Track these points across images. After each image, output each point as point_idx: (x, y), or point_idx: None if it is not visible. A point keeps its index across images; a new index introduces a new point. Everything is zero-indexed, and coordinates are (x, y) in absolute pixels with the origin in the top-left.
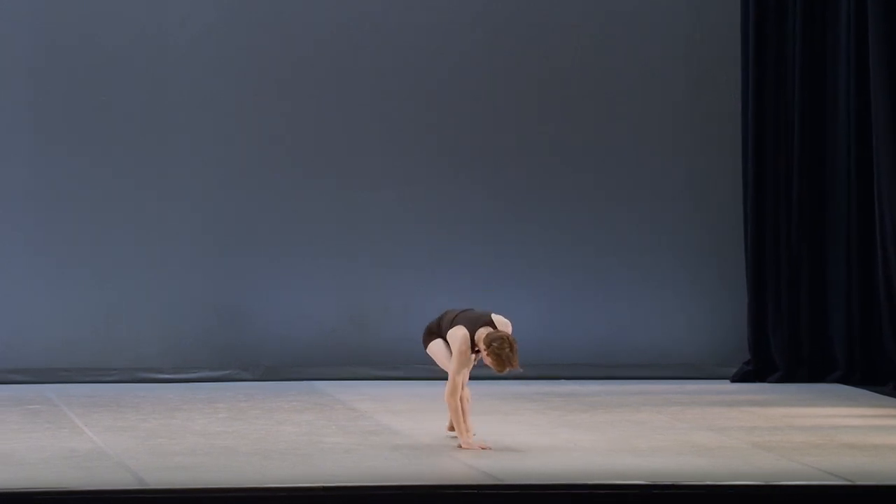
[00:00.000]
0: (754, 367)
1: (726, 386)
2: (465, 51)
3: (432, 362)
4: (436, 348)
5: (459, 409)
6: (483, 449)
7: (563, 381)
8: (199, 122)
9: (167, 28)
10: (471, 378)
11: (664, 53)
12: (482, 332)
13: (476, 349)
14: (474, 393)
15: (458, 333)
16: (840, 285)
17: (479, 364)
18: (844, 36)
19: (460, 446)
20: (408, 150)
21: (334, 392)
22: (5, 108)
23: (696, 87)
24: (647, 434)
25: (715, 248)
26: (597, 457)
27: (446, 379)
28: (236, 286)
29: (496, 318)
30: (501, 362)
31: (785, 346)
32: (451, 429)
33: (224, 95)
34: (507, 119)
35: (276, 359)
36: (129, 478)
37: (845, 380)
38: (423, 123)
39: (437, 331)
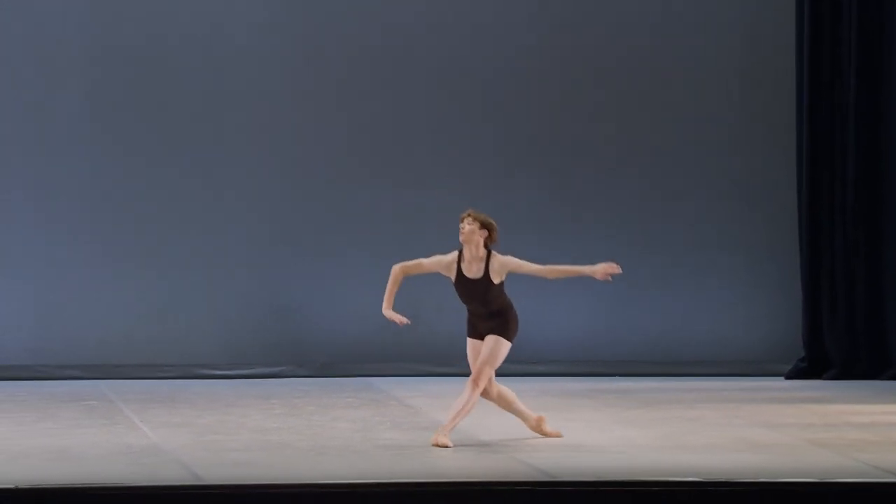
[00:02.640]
0: (809, 363)
1: (781, 383)
2: (519, 50)
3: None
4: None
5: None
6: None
7: (618, 377)
8: (255, 121)
9: (223, 29)
10: (519, 375)
11: (719, 53)
12: (471, 241)
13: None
14: (531, 389)
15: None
16: None
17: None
18: None
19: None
20: (462, 148)
21: (389, 388)
22: (64, 107)
23: (751, 87)
24: (701, 431)
25: (770, 246)
26: (651, 453)
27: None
28: (292, 283)
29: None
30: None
31: (840, 342)
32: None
33: (280, 95)
34: (563, 118)
35: (331, 355)
36: (184, 473)
37: None
38: (478, 122)
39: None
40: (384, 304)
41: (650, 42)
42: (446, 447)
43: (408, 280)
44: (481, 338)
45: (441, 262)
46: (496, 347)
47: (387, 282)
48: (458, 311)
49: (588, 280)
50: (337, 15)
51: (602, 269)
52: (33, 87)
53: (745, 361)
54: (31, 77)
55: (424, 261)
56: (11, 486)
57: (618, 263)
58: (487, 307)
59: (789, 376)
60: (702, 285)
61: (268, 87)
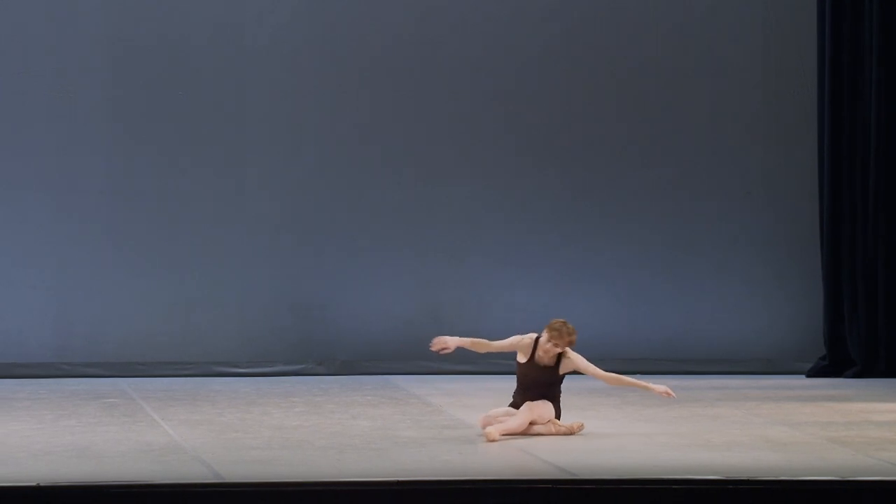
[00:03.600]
0: (830, 362)
1: (802, 381)
2: (541, 47)
3: (503, 357)
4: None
5: None
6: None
7: (638, 375)
8: (276, 117)
9: (244, 26)
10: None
11: (740, 50)
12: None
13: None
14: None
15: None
16: None
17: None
18: None
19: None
20: (484, 145)
21: (409, 386)
22: (85, 103)
23: (771, 82)
24: (722, 429)
25: (790, 243)
26: (672, 451)
27: (514, 373)
28: (313, 281)
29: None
30: (558, 334)
31: (861, 340)
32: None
33: (302, 90)
34: (582, 115)
35: (351, 353)
36: (204, 471)
37: None
38: (499, 119)
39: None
40: (458, 338)
41: (671, 40)
42: (494, 441)
43: (429, 278)
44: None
45: (519, 344)
46: (545, 405)
47: (404, 280)
48: (479, 310)
49: (608, 279)
50: (357, 13)
51: (662, 389)
52: (53, 84)
53: (765, 359)
54: (50, 74)
55: (505, 343)
56: (33, 483)
57: (673, 392)
58: (543, 395)
59: (810, 374)
60: (723, 283)
61: (289, 85)
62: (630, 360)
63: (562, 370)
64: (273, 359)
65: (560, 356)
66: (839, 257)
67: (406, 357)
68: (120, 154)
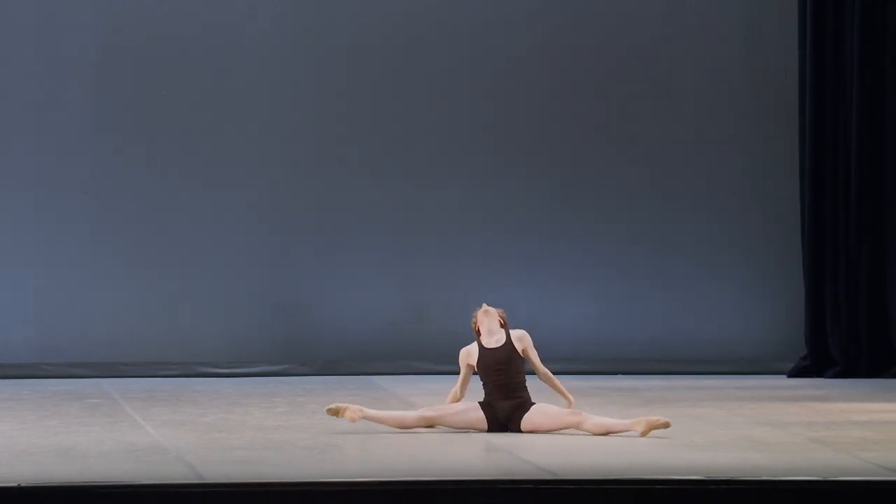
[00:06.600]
0: (811, 361)
1: (783, 381)
2: (525, 48)
3: None
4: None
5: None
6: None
7: (621, 375)
8: (261, 116)
9: (229, 28)
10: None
11: (722, 49)
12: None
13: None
14: (535, 388)
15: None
16: None
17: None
18: None
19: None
20: (469, 146)
21: (391, 386)
22: (68, 101)
23: (753, 82)
24: (704, 429)
25: (772, 243)
26: (655, 452)
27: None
28: (295, 281)
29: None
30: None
31: (843, 340)
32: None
33: (288, 90)
34: (566, 116)
35: (333, 353)
36: (187, 472)
37: None
38: (483, 120)
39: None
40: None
41: (652, 40)
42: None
43: (412, 278)
44: (501, 426)
45: (469, 354)
46: (547, 406)
47: (388, 281)
48: (463, 310)
49: (591, 279)
50: (344, 14)
51: (572, 400)
52: (38, 83)
53: (747, 360)
54: (36, 73)
55: (462, 368)
56: (14, 484)
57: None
58: (510, 378)
59: (792, 374)
60: (704, 283)
61: (273, 85)
62: (614, 360)
63: (516, 343)
64: (255, 359)
65: (508, 334)
66: (821, 257)
67: (389, 357)
68: (103, 154)
